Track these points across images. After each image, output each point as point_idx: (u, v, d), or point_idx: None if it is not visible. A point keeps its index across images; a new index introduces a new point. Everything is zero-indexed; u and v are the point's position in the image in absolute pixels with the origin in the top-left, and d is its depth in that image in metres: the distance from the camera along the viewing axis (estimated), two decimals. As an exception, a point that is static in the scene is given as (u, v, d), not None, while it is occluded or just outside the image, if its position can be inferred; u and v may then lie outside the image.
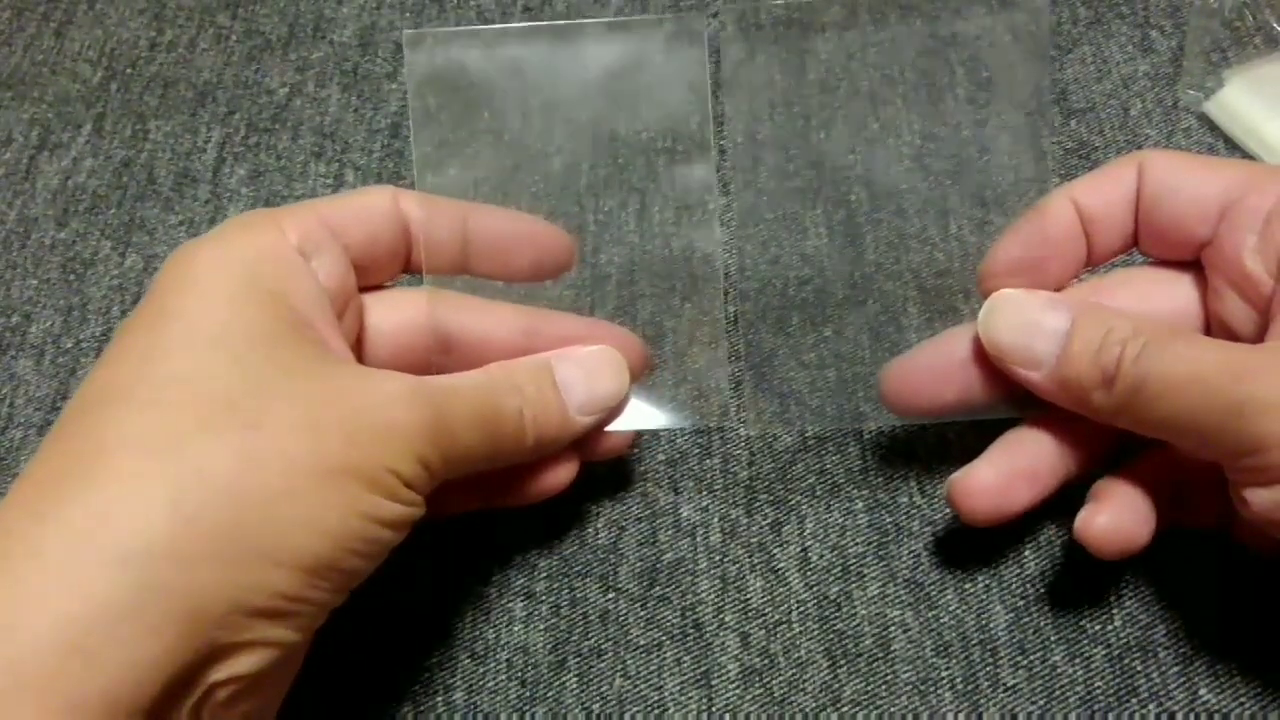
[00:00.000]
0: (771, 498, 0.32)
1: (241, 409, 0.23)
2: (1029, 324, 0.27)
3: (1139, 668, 0.28)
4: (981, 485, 0.28)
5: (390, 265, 0.30)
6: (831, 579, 0.30)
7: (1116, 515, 0.27)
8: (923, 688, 0.28)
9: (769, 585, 0.30)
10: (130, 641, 0.20)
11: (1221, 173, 0.28)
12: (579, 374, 0.29)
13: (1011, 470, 0.28)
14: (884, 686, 0.28)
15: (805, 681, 0.29)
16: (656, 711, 0.28)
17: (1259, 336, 0.26)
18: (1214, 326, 0.28)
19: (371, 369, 0.26)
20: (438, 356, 0.30)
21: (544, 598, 0.30)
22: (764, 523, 0.31)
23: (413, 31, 0.30)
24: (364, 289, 0.29)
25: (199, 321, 0.24)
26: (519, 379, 0.28)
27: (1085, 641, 0.28)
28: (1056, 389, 0.27)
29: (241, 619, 0.21)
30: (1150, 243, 0.29)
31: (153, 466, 0.21)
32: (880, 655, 0.29)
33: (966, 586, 0.30)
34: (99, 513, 0.21)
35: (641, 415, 0.31)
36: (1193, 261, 0.29)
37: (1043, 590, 0.29)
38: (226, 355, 0.23)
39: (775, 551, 0.31)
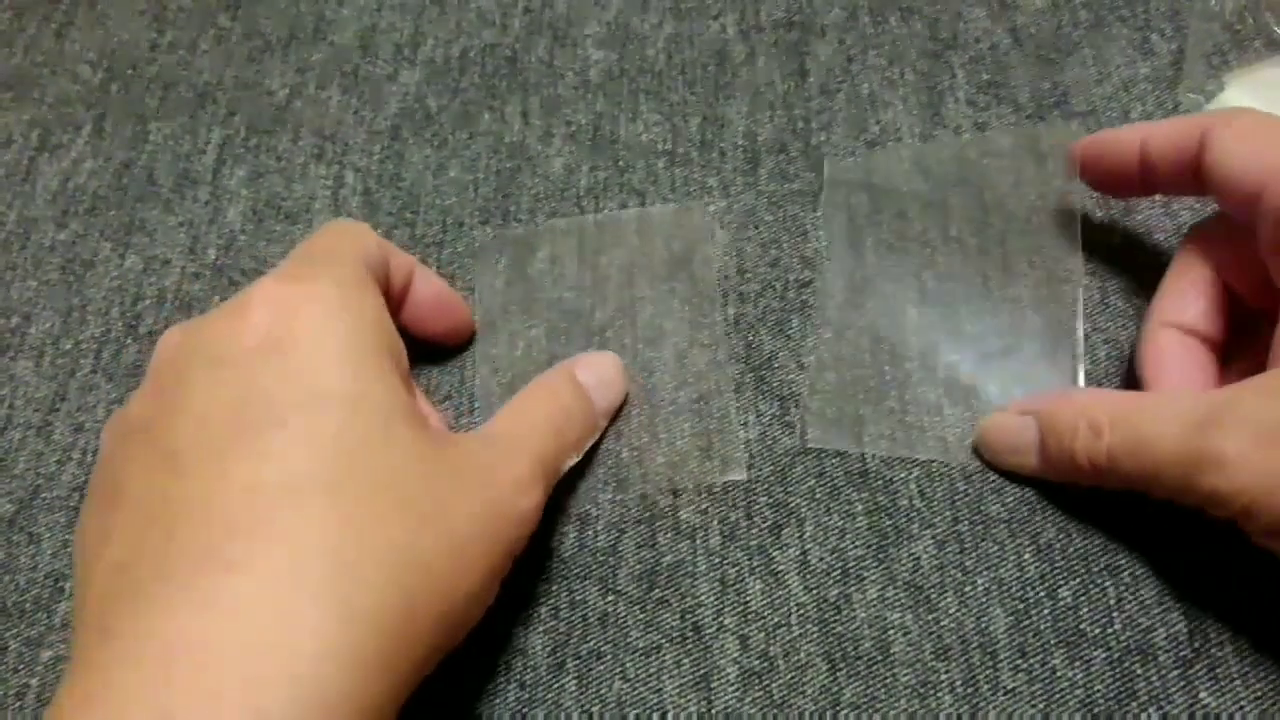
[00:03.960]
0: (771, 500, 0.32)
1: (426, 504, 0.24)
2: (1012, 447, 0.30)
3: (1139, 671, 0.28)
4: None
5: None
6: (831, 582, 0.30)
7: None
8: (922, 691, 0.28)
9: (768, 588, 0.30)
10: None
11: (1263, 155, 0.27)
12: (594, 379, 0.31)
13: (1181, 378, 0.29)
14: (883, 689, 0.28)
15: (805, 684, 0.28)
16: (656, 714, 0.28)
17: None
18: None
19: (493, 441, 0.27)
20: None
21: (543, 600, 0.30)
22: (763, 525, 0.31)
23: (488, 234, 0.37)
24: None
25: (360, 403, 0.24)
26: (564, 398, 0.30)
27: (1085, 644, 0.28)
28: (1052, 478, 0.30)
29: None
30: (1219, 201, 0.29)
31: (350, 575, 0.22)
32: (880, 658, 0.29)
33: (966, 589, 0.30)
34: (287, 624, 0.21)
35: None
36: None
37: (1042, 593, 0.29)
38: (394, 441, 0.24)
39: (774, 554, 0.31)
